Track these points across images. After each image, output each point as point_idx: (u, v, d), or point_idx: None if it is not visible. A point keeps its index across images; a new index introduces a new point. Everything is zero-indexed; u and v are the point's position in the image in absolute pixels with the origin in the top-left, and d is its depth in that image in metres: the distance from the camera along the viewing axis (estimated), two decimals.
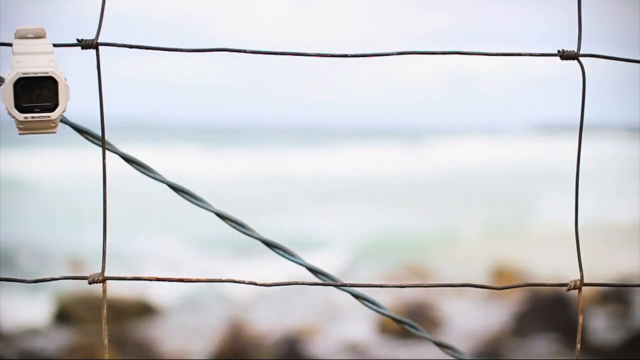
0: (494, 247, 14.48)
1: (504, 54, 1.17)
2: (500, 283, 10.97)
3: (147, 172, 1.27)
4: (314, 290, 9.62)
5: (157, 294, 10.28)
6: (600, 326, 9.38)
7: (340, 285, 1.27)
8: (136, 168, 1.27)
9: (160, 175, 1.26)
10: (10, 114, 1.14)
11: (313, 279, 1.30)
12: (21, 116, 1.14)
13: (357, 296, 1.33)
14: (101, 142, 1.19)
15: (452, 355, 1.36)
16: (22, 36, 1.16)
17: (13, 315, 9.42)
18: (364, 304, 1.33)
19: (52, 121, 1.15)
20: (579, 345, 1.23)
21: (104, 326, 1.12)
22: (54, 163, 23.47)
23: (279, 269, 11.12)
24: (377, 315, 9.79)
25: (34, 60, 1.14)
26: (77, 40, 1.16)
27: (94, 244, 13.89)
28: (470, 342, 9.03)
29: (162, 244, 13.96)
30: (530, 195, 21.90)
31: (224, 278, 1.13)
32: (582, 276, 1.20)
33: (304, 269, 1.32)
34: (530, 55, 1.24)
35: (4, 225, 14.81)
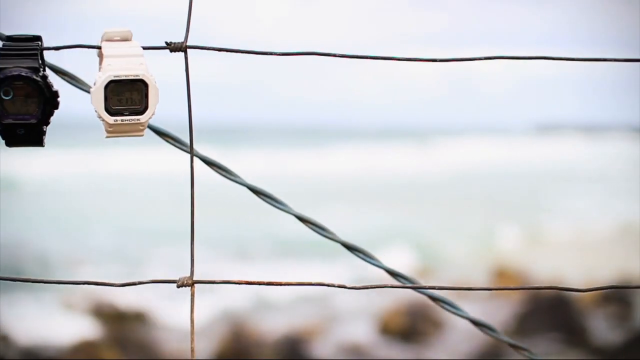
0: (496, 247, 14.48)
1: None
2: (502, 283, 10.98)
3: (229, 176, 1.27)
4: (316, 290, 9.62)
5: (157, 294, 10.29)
6: (602, 327, 9.39)
7: (419, 288, 1.27)
8: (217, 171, 1.27)
9: (242, 179, 1.26)
10: (100, 117, 1.13)
11: (392, 281, 1.30)
12: (111, 119, 1.13)
13: (435, 299, 1.33)
14: (189, 148, 1.18)
15: (528, 357, 1.36)
16: (109, 39, 1.15)
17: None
18: (442, 306, 1.33)
19: (141, 124, 1.15)
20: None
21: (192, 329, 1.12)
22: (53, 163, 23.48)
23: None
24: (379, 315, 9.85)
25: (124, 63, 1.13)
26: (166, 43, 1.16)
27: (93, 244, 13.92)
28: (471, 342, 9.05)
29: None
30: (532, 195, 21.91)
31: (313, 281, 1.12)
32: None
33: (368, 271, 1.31)
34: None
35: (3, 225, 14.81)
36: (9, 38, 1.12)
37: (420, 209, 18.83)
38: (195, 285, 1.12)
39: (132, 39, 1.15)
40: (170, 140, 1.27)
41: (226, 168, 1.26)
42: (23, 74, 1.11)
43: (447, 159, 32.94)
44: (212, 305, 10.12)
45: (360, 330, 9.54)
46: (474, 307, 10.26)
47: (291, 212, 1.27)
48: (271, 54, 1.15)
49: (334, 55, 1.16)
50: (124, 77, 1.12)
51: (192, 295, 1.13)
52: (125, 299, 10.09)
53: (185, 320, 9.83)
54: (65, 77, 1.29)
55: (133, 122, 1.13)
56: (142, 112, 1.14)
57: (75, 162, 24.82)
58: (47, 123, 1.13)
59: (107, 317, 9.62)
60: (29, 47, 1.12)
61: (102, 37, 1.15)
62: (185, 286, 1.13)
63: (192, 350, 1.12)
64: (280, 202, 1.27)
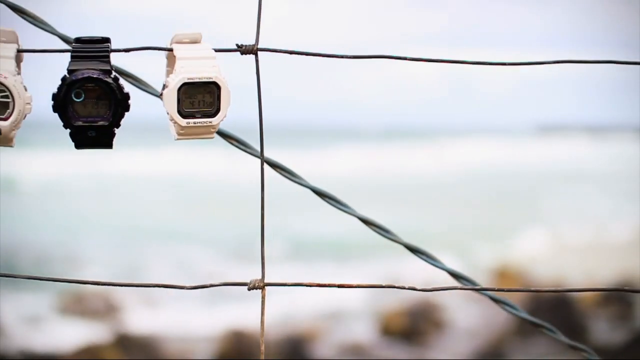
0: (498, 247, 14.48)
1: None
2: (503, 284, 10.98)
3: (293, 178, 1.27)
4: (318, 290, 9.60)
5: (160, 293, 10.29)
6: (603, 327, 9.41)
7: (481, 290, 1.27)
8: (283, 174, 1.27)
9: (305, 181, 1.26)
10: (172, 119, 1.13)
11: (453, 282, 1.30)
12: (183, 122, 1.13)
13: (497, 300, 1.33)
14: (260, 153, 1.18)
15: (587, 357, 1.36)
16: (179, 41, 1.15)
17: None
18: (503, 308, 1.34)
19: (212, 127, 1.15)
20: None
21: (262, 332, 1.12)
22: (53, 163, 23.47)
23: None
24: (382, 316, 9.85)
25: (197, 66, 1.13)
26: (237, 45, 1.16)
27: (92, 244, 13.91)
28: (472, 342, 9.06)
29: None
30: (535, 196, 21.91)
31: (383, 284, 1.13)
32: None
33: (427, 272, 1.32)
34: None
35: (3, 225, 14.81)
36: (78, 40, 1.12)
37: (426, 210, 18.82)
38: (266, 287, 1.12)
39: (202, 41, 1.15)
40: (235, 143, 1.27)
41: (290, 170, 1.26)
42: (95, 75, 1.11)
43: (451, 159, 32.90)
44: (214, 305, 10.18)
45: (361, 330, 9.56)
46: (476, 307, 10.28)
47: (355, 214, 1.28)
48: (343, 56, 1.15)
49: (404, 59, 1.16)
50: (197, 80, 1.12)
51: (263, 297, 1.13)
52: (129, 300, 10.11)
53: (185, 321, 9.86)
54: (129, 79, 1.29)
55: (205, 124, 1.13)
56: (213, 115, 1.14)
57: (78, 162, 24.81)
58: (118, 125, 1.13)
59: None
60: (100, 49, 1.12)
61: (171, 40, 1.15)
62: (256, 288, 1.13)
63: (262, 352, 1.13)
64: (344, 205, 1.27)
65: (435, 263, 1.28)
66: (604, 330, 9.31)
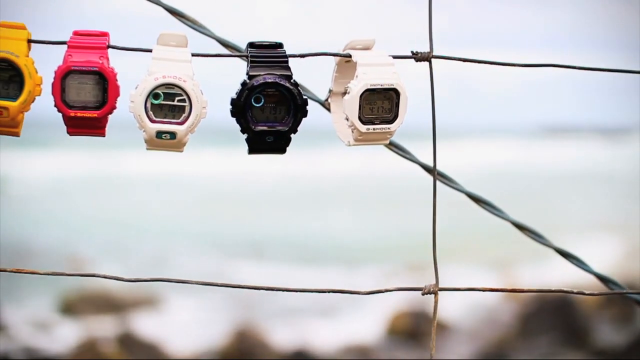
0: (501, 248, 14.42)
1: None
2: (505, 285, 10.98)
3: (450, 184, 1.27)
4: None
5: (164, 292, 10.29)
6: (605, 329, 9.40)
7: (630, 293, 1.28)
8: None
9: (460, 186, 1.27)
10: (352, 125, 1.14)
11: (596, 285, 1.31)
12: (363, 128, 1.14)
13: None
14: (432, 169, 1.19)
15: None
16: (352, 47, 1.16)
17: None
18: None
19: (389, 133, 1.15)
20: None
21: (433, 336, 1.13)
22: (55, 163, 23.42)
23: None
24: (385, 316, 9.85)
25: (378, 72, 1.14)
26: (412, 52, 1.16)
27: (93, 243, 13.88)
28: (474, 344, 9.06)
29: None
30: (538, 196, 21.86)
31: (552, 288, 1.14)
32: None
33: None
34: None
35: (4, 224, 14.77)
36: (252, 45, 1.12)
37: (424, 209, 18.73)
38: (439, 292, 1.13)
39: (375, 47, 1.16)
40: (401, 153, 1.28)
41: (448, 176, 1.27)
42: (277, 81, 1.11)
43: (455, 160, 32.82)
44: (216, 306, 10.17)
45: (365, 331, 9.56)
46: (478, 307, 10.27)
47: (509, 219, 1.29)
48: (512, 64, 1.16)
49: (573, 68, 1.17)
50: (379, 86, 1.12)
51: (436, 302, 1.14)
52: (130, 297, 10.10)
53: (188, 317, 9.86)
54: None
55: (383, 130, 1.14)
56: (391, 121, 1.14)
57: (80, 162, 24.76)
58: (295, 131, 1.14)
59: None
60: (278, 54, 1.12)
61: (345, 46, 1.16)
62: (430, 293, 1.14)
63: (432, 348, 1.13)
64: (498, 210, 1.28)
65: (586, 267, 1.29)
66: (607, 332, 9.30)
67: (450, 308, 9.97)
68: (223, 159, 24.97)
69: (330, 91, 1.17)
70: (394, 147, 1.26)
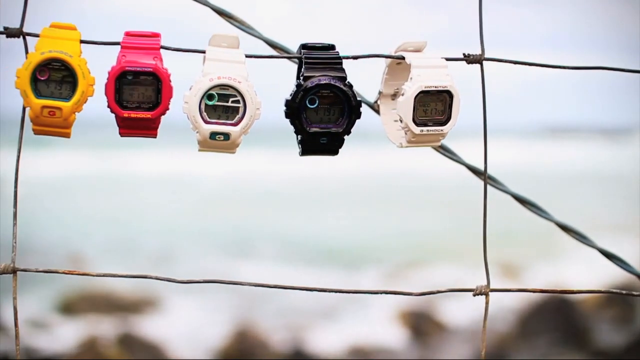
0: (501, 248, 14.39)
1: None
2: (507, 285, 10.99)
3: (498, 185, 1.28)
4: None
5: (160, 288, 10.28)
6: (605, 329, 9.40)
7: None
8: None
9: (507, 187, 1.27)
10: (405, 127, 1.14)
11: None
12: (417, 129, 1.14)
13: None
14: (483, 175, 1.19)
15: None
16: (404, 49, 1.16)
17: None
18: None
19: (442, 135, 1.16)
20: None
21: (483, 337, 1.13)
22: (57, 163, 23.40)
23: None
24: (387, 315, 9.85)
25: (432, 74, 1.14)
26: (464, 55, 1.17)
27: (94, 242, 13.87)
28: (474, 343, 9.07)
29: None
30: (540, 197, 21.80)
31: (613, 289, 1.14)
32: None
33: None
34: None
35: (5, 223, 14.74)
36: (305, 46, 1.12)
37: (426, 210, 18.73)
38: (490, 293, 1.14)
39: (425, 49, 1.16)
40: (449, 155, 1.28)
41: (495, 178, 1.27)
42: (332, 82, 1.11)
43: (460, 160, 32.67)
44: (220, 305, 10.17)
45: (366, 331, 9.56)
46: (478, 308, 10.27)
47: (553, 219, 1.29)
48: (562, 67, 1.17)
49: (622, 70, 1.18)
50: (433, 88, 1.12)
51: (487, 304, 1.14)
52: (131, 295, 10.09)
53: (188, 317, 9.85)
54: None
55: (436, 132, 1.14)
56: (444, 123, 1.15)
57: (83, 162, 24.74)
58: (349, 132, 1.14)
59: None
60: (332, 56, 1.12)
61: (397, 48, 1.16)
62: (481, 294, 1.14)
63: (483, 348, 1.14)
64: (544, 211, 1.28)
65: (630, 269, 1.29)
66: (606, 333, 9.31)
67: (451, 308, 9.98)
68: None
69: (379, 93, 1.18)
70: (442, 149, 1.26)
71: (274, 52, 1.21)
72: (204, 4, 1.24)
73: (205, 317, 9.90)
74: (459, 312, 9.97)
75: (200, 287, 10.44)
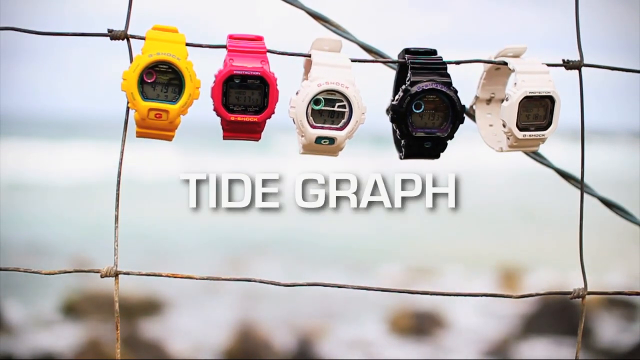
0: (502, 249, 14.39)
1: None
2: (508, 286, 10.98)
3: (627, 217, 1.28)
4: (323, 289, 9.54)
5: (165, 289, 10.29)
6: (608, 330, 9.41)
7: None
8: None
9: (594, 190, 1.28)
10: (509, 132, 1.15)
11: None
12: (520, 134, 1.15)
13: None
14: (580, 184, 1.20)
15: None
16: (504, 55, 1.17)
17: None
18: None
19: (542, 140, 1.17)
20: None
21: (579, 339, 1.15)
22: (58, 162, 23.38)
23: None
24: (388, 314, 9.86)
25: (536, 80, 1.15)
26: (563, 61, 1.18)
27: (99, 243, 13.85)
28: (477, 343, 9.08)
29: None
30: (541, 197, 21.80)
31: None
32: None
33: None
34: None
35: (8, 223, 14.74)
36: (408, 51, 1.13)
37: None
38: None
39: (524, 55, 1.18)
40: (539, 159, 1.29)
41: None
42: (439, 88, 1.12)
43: (458, 161, 32.63)
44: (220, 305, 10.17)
45: (367, 329, 9.56)
46: (481, 309, 10.29)
47: (638, 222, 1.30)
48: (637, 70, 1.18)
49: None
50: (537, 94, 1.14)
51: (583, 306, 1.16)
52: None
53: (193, 318, 9.85)
54: None
55: (537, 137, 1.15)
56: (545, 128, 1.16)
57: (86, 161, 24.69)
58: (452, 137, 1.15)
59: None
60: (436, 60, 1.13)
61: (498, 53, 1.18)
62: (579, 297, 1.16)
63: (578, 350, 1.15)
64: (630, 215, 1.30)
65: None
66: (610, 333, 9.32)
67: (452, 308, 10.00)
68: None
69: (476, 97, 1.19)
70: (534, 154, 1.28)
71: (368, 57, 1.22)
72: (299, 8, 1.25)
73: (207, 316, 9.90)
74: (460, 312, 9.99)
75: (203, 288, 10.44)
